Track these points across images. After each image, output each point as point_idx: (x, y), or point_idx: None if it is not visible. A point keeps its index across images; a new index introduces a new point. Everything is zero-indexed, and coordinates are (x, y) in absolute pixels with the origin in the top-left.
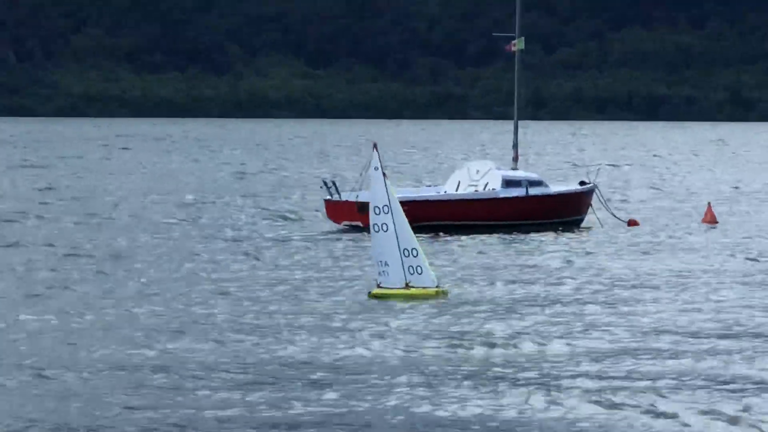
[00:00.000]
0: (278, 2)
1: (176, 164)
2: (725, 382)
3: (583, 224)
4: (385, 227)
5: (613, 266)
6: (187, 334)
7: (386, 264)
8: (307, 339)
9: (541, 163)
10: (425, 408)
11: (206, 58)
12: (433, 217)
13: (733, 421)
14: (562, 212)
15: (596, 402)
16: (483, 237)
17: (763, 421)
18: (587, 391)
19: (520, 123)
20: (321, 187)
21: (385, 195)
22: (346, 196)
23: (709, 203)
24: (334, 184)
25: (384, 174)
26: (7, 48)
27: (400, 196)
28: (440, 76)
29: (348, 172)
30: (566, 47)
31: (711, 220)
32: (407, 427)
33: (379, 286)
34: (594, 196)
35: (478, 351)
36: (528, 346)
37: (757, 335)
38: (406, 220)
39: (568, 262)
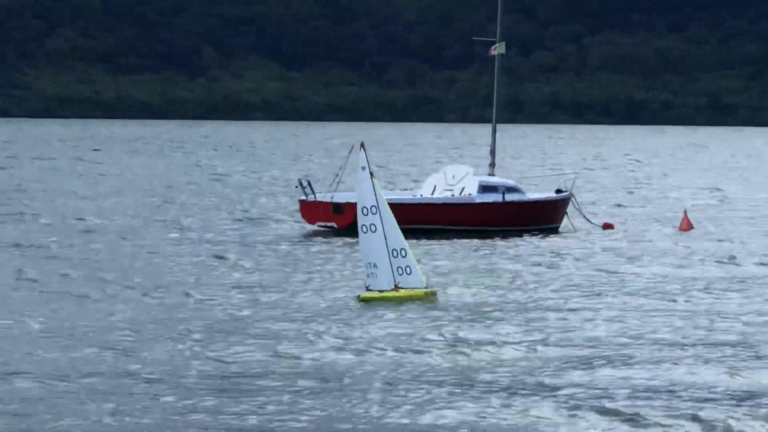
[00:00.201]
0: (254, 5)
1: (149, 166)
2: (701, 390)
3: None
4: (373, 228)
5: (586, 272)
6: (162, 340)
7: (375, 266)
8: (291, 346)
9: (516, 168)
10: (405, 415)
11: (181, 60)
12: (408, 221)
13: (710, 428)
14: (538, 219)
15: (575, 408)
16: (457, 241)
17: (739, 429)
18: (568, 397)
19: (497, 126)
20: (296, 187)
21: (372, 195)
22: (321, 197)
23: (685, 211)
24: (309, 184)
25: (371, 174)
26: None
27: None
28: (417, 80)
29: (323, 174)
30: (544, 51)
31: (687, 227)
32: None
33: (368, 289)
34: (570, 204)
35: (460, 357)
36: (504, 352)
37: (731, 343)
38: (394, 219)
39: (543, 266)
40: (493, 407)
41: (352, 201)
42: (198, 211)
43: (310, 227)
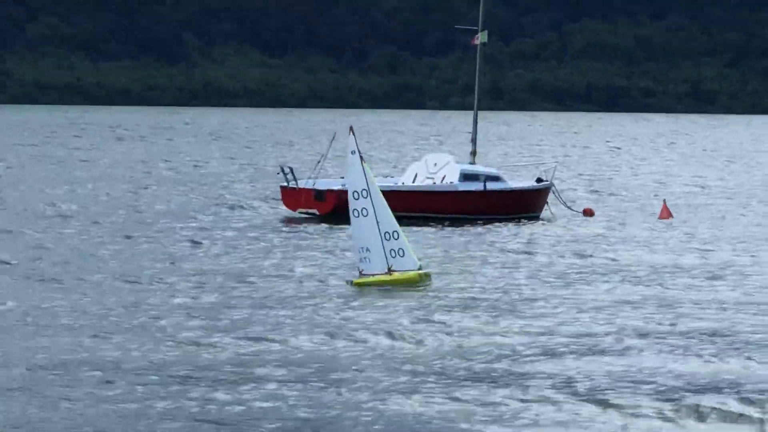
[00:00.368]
0: None
1: (128, 153)
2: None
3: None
4: (365, 212)
5: (568, 260)
6: (140, 328)
7: (368, 250)
8: (278, 333)
9: (497, 156)
10: (392, 403)
11: (161, 47)
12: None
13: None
14: (519, 208)
15: (565, 398)
16: (441, 228)
17: (719, 418)
18: (552, 387)
19: (479, 114)
20: (278, 174)
21: (363, 179)
22: (302, 183)
23: (664, 200)
24: (291, 170)
25: (361, 158)
26: None
27: None
28: (398, 67)
29: (304, 161)
30: (525, 38)
31: (667, 215)
32: (379, 426)
33: (361, 274)
34: (550, 193)
35: (447, 345)
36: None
37: (711, 331)
38: (385, 202)
39: (523, 253)
40: (478, 395)
41: (334, 188)
42: (176, 197)
43: (291, 214)
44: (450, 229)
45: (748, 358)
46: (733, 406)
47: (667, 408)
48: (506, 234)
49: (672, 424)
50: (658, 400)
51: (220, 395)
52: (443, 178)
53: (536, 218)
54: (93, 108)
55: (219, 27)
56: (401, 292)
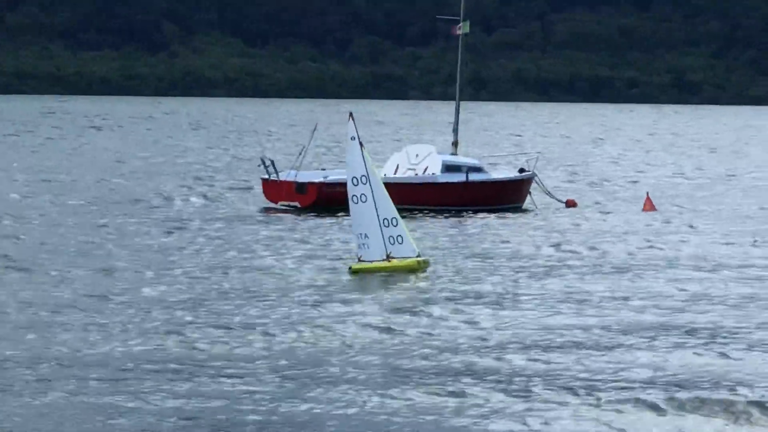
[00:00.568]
0: None
1: (107, 143)
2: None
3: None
4: (363, 198)
5: (547, 252)
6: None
7: (366, 236)
8: (273, 325)
9: (479, 146)
10: (381, 400)
11: (142, 36)
12: None
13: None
14: (502, 199)
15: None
16: (422, 220)
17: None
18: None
19: (461, 105)
20: (259, 166)
21: (362, 165)
22: (283, 175)
23: (647, 192)
24: (272, 163)
25: (361, 144)
26: None
27: (334, 178)
28: (380, 56)
29: (286, 152)
30: (508, 28)
31: (650, 208)
32: (366, 421)
33: (359, 260)
34: (533, 183)
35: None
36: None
37: (691, 327)
38: (384, 189)
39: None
40: (465, 389)
41: (315, 180)
42: (156, 188)
43: (273, 205)
44: (431, 221)
45: (737, 351)
46: (726, 400)
47: (654, 402)
48: (488, 226)
49: (658, 418)
50: (645, 394)
51: (202, 389)
52: (425, 169)
53: (519, 209)
54: (72, 98)
55: (199, 16)
56: (386, 285)
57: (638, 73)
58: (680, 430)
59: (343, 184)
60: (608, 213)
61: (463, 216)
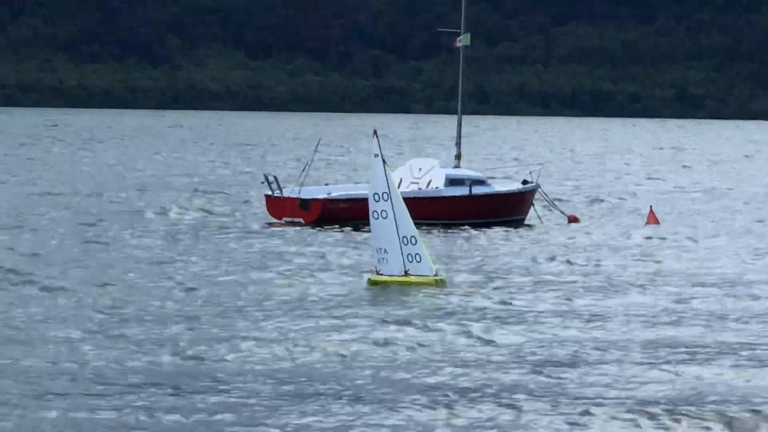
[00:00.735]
0: None
1: (111, 156)
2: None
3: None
4: (384, 214)
5: (557, 267)
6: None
7: (385, 251)
8: (269, 342)
9: (481, 159)
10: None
11: (144, 48)
12: None
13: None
14: (506, 212)
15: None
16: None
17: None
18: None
19: (463, 118)
20: (262, 183)
21: (384, 182)
22: (287, 192)
23: (650, 206)
24: (275, 179)
25: (384, 161)
26: None
27: (338, 194)
28: (382, 70)
29: (289, 167)
30: (511, 41)
31: (653, 221)
32: None
33: (378, 273)
34: (537, 194)
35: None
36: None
37: (706, 341)
38: (405, 207)
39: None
40: (471, 407)
41: (319, 196)
42: (158, 203)
43: (277, 221)
44: (435, 235)
45: (738, 368)
46: (733, 416)
47: (656, 419)
48: (493, 240)
49: None
50: (646, 411)
51: (208, 402)
52: (429, 182)
53: (522, 221)
54: (74, 110)
55: (202, 28)
56: (394, 302)
57: (641, 87)
58: None
59: (347, 200)
60: (611, 227)
61: (466, 230)
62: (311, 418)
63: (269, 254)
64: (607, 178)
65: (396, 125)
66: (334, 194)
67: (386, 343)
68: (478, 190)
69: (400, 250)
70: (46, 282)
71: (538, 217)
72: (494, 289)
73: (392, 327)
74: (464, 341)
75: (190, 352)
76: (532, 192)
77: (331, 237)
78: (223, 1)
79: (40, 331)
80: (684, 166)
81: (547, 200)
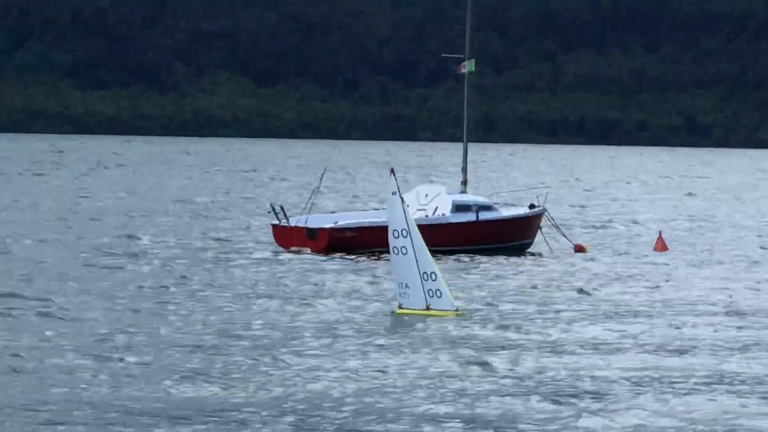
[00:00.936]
0: (225, 20)
1: (118, 184)
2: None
3: (532, 248)
4: (404, 250)
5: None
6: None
7: (407, 286)
8: (283, 377)
9: (488, 186)
10: None
11: (151, 75)
12: (382, 244)
13: None
14: (513, 236)
15: None
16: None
17: None
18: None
19: (469, 145)
20: (269, 212)
21: (403, 219)
22: (294, 221)
23: (660, 232)
24: (282, 209)
25: (402, 198)
26: None
27: (345, 222)
28: (389, 97)
29: (296, 195)
30: (518, 69)
31: (662, 248)
32: None
33: (400, 307)
34: (543, 219)
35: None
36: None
37: (719, 371)
38: (423, 243)
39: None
40: None
41: (326, 226)
42: (165, 233)
43: (284, 251)
44: (443, 262)
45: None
46: None
47: None
48: (497, 270)
49: None
50: None
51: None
52: (435, 209)
53: (529, 246)
54: (81, 137)
55: (209, 55)
56: (404, 331)
57: (648, 115)
58: None
59: (354, 229)
60: (619, 255)
61: (474, 258)
62: None
63: (276, 283)
64: (613, 206)
65: (402, 153)
66: (341, 223)
67: (397, 371)
68: (485, 215)
69: (422, 286)
70: (43, 308)
71: (546, 242)
72: (505, 317)
73: (406, 355)
74: (477, 370)
75: (191, 381)
76: (539, 216)
77: (340, 265)
78: (231, 29)
79: (39, 359)
80: (689, 194)
81: (554, 224)
